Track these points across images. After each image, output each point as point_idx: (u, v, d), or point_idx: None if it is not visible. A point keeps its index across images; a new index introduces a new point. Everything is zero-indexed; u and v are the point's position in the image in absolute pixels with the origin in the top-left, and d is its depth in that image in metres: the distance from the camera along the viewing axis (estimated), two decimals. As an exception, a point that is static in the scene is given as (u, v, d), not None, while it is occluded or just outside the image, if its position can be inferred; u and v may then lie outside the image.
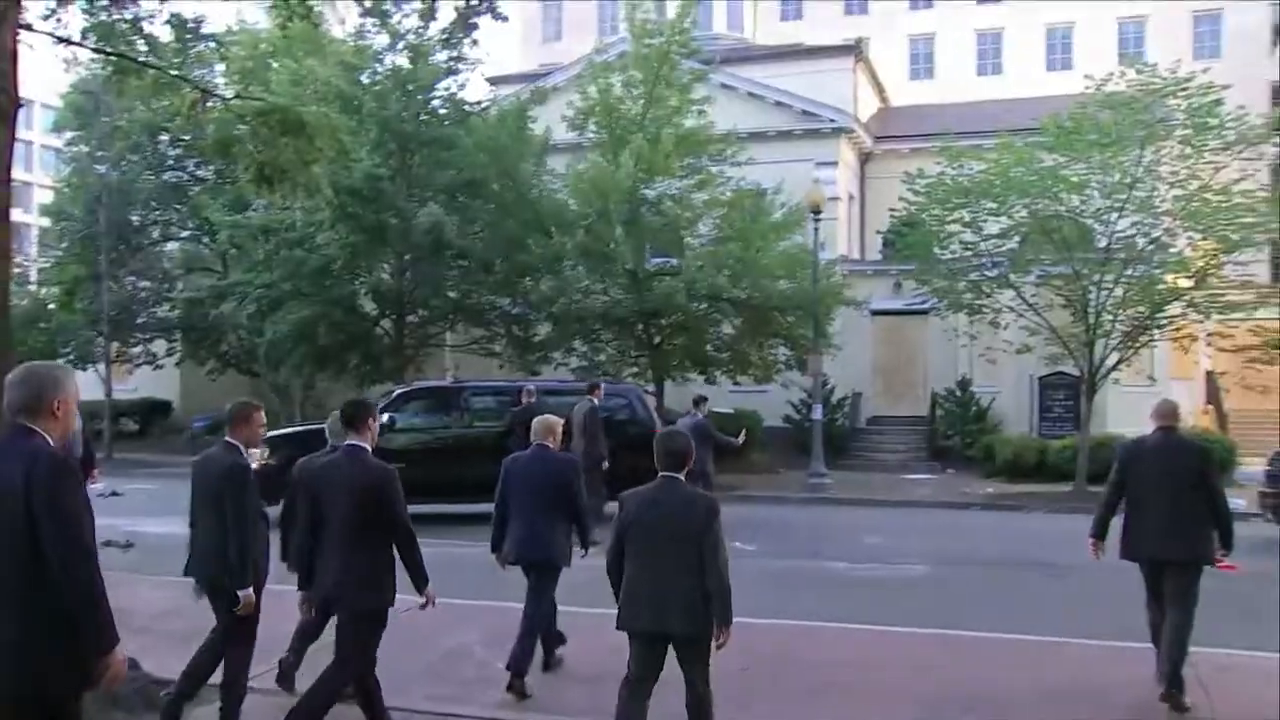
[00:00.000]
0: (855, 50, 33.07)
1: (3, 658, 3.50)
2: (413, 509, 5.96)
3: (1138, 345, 20.22)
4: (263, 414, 6.23)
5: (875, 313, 27.19)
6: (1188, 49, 38.85)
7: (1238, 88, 19.99)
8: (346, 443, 5.73)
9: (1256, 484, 15.20)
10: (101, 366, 27.82)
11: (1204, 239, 19.61)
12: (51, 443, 3.69)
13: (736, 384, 23.54)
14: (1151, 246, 19.49)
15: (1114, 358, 20.02)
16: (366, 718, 5.82)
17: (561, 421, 7.85)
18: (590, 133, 23.46)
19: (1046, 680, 7.49)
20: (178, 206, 28.48)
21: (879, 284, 27.65)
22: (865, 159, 32.53)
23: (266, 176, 9.38)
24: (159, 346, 28.94)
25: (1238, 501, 9.68)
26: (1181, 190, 19.09)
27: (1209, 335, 20.41)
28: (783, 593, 9.35)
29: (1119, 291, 19.47)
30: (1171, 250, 19.76)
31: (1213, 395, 28.01)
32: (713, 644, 5.15)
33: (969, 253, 21.07)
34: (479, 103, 25.05)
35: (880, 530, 15.72)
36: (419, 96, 23.19)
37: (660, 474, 5.30)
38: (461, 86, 24.17)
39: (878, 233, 31.52)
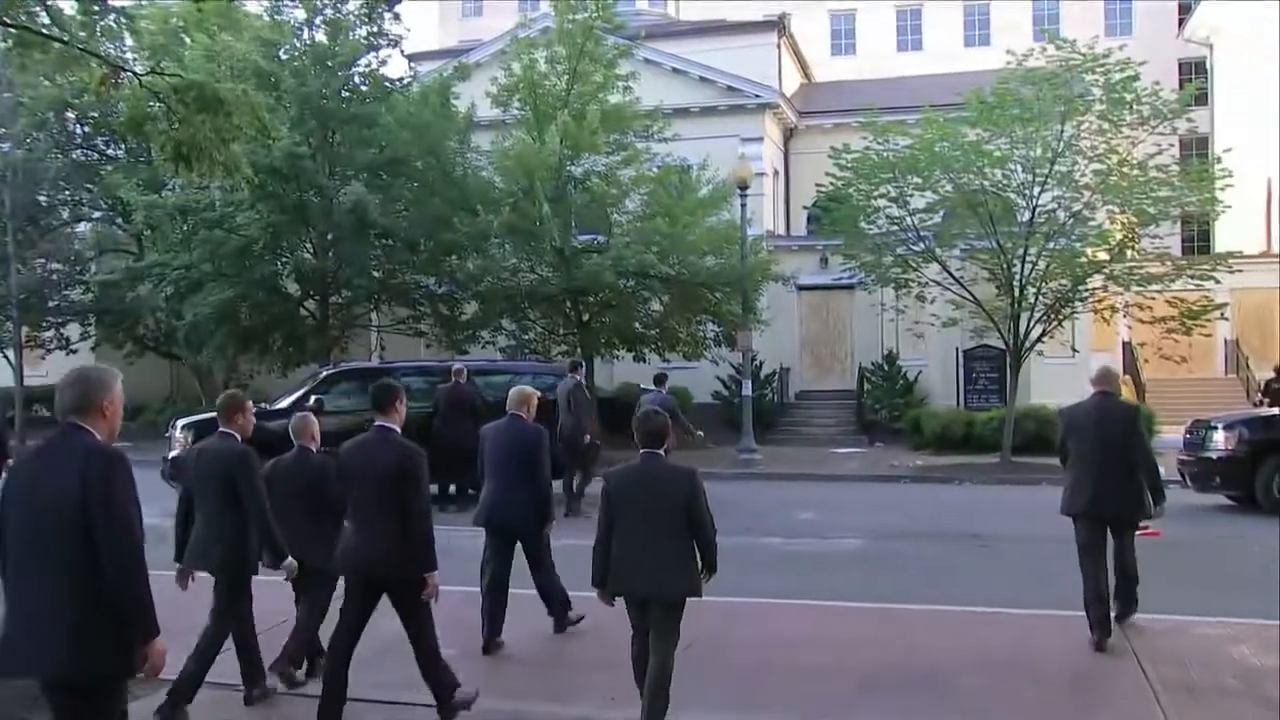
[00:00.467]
0: (779, 26, 33.02)
1: (60, 639, 3.80)
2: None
3: (1060, 317, 20.51)
4: (250, 403, 6.61)
5: (802, 288, 27.36)
6: (1100, 26, 39.59)
7: (1148, 64, 20.34)
8: (376, 423, 6.04)
9: (1175, 451, 15.53)
10: (11, 352, 26.92)
11: (1122, 213, 19.96)
12: (100, 440, 3.99)
13: (665, 360, 23.45)
14: (1072, 220, 19.78)
15: (1038, 330, 20.30)
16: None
17: (536, 393, 8.23)
18: (515, 109, 23.12)
19: (983, 651, 7.56)
20: (89, 186, 27.53)
21: (805, 259, 27.79)
22: (789, 134, 32.59)
23: (183, 155, 9.01)
24: (72, 330, 28.01)
25: (1164, 504, 9.88)
26: (1100, 165, 19.38)
27: (1128, 307, 20.80)
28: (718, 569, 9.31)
29: (1042, 265, 19.74)
30: (1091, 224, 20.07)
31: (1130, 365, 28.67)
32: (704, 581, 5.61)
33: (895, 227, 21.20)
34: (400, 79, 24.59)
35: (812, 505, 15.79)
36: (339, 73, 22.67)
37: (641, 450, 5.67)
38: (382, 63, 23.71)
39: (803, 208, 31.63)
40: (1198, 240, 34.71)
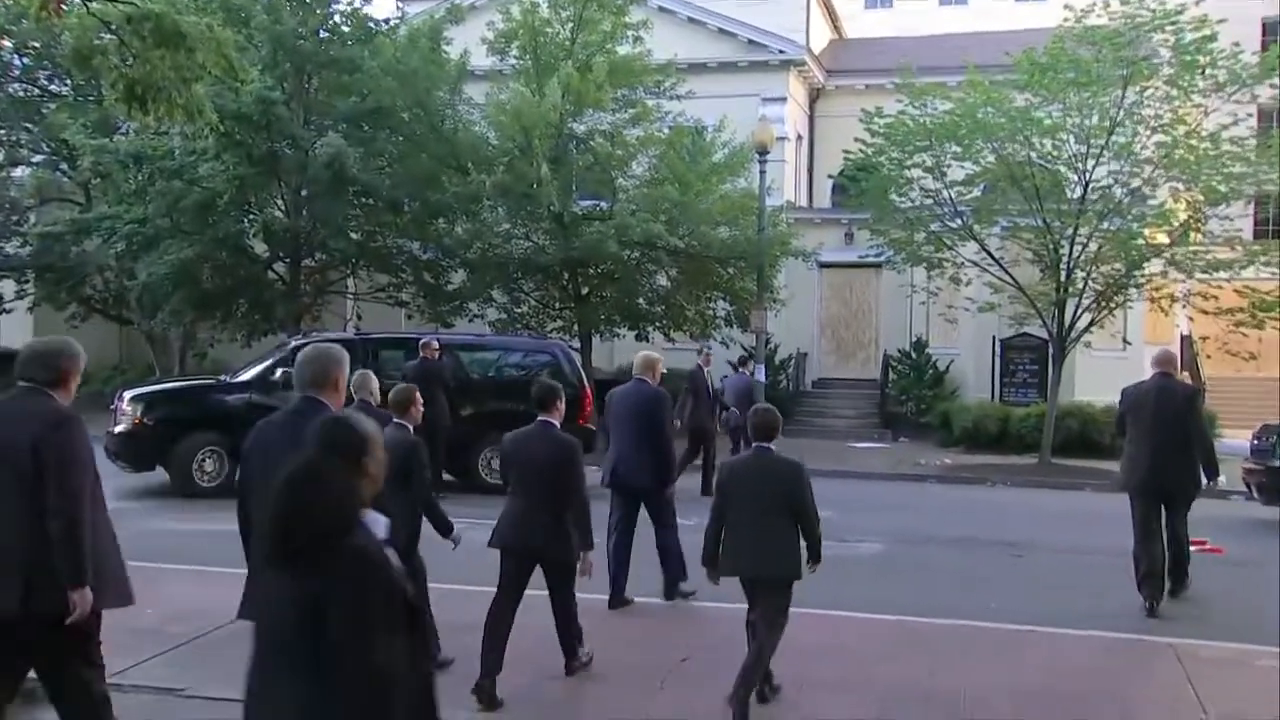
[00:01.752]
0: (808, -26, 32.79)
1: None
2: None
3: (1112, 306, 20.36)
4: (418, 394, 7.74)
5: (824, 265, 27.19)
6: (1171, -20, 39.08)
7: (1226, 23, 19.96)
8: (539, 419, 7.20)
9: (1240, 457, 15.33)
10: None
11: (1187, 190, 19.75)
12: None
13: (671, 340, 23.37)
14: (1129, 198, 19.59)
15: (1085, 319, 20.14)
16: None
17: (660, 358, 9.72)
18: (512, 59, 22.96)
19: (1015, 674, 7.47)
20: (28, 125, 27.14)
21: (829, 234, 27.62)
22: (816, 96, 32.39)
23: (138, 95, 8.86)
24: (7, 287, 27.73)
25: (1220, 479, 10.01)
26: (1165, 136, 19.16)
27: (1189, 296, 20.61)
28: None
29: (1093, 246, 19.57)
30: (1151, 202, 19.88)
31: (1189, 361, 28.49)
32: (811, 570, 6.63)
33: (929, 201, 21.04)
34: (386, 21, 24.38)
35: (830, 504, 15.45)
36: (318, 11, 22.45)
37: (754, 444, 6.77)
38: (367, 1, 23.53)
39: (829, 177, 31.47)
40: (1273, 223, 34.28)
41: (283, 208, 22.91)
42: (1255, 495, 14.78)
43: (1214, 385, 27.99)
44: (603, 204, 22.52)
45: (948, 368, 26.03)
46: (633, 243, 21.28)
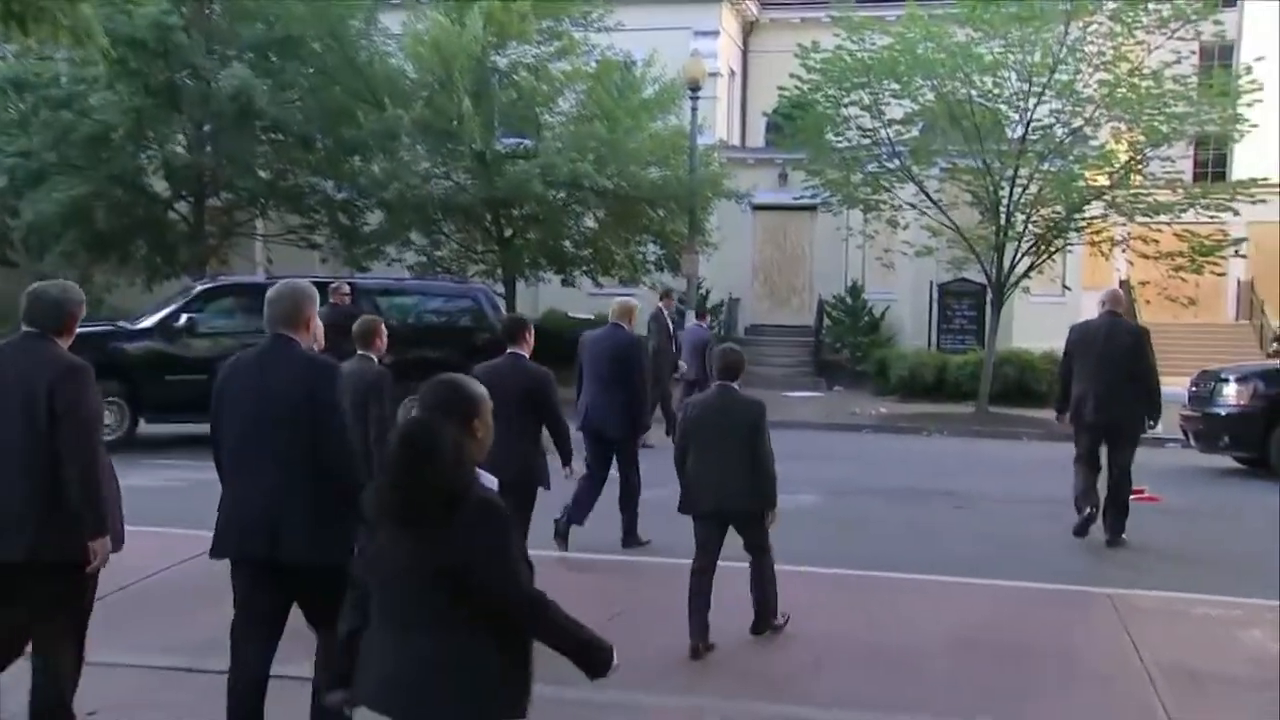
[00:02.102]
0: (742, -99, 32.50)
1: (296, 526, 4.68)
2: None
3: (1051, 250, 20.56)
4: (381, 325, 7.98)
5: (757, 207, 27.23)
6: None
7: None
8: (508, 350, 7.60)
9: (1178, 404, 15.55)
10: None
11: (1129, 130, 19.93)
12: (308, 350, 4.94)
13: (599, 285, 23.31)
14: (1071, 138, 19.73)
15: (1025, 263, 20.32)
16: None
17: (638, 304, 10.05)
18: (432, -14, 22.62)
19: (955, 627, 7.50)
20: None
21: (762, 174, 27.63)
22: (749, 30, 32.26)
23: (15, 13, 8.48)
24: None
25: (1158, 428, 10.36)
26: (1107, 74, 19.30)
27: (1130, 240, 20.85)
28: (657, 527, 9.16)
29: (1033, 188, 19.72)
30: (1093, 143, 20.06)
31: (1127, 306, 28.88)
32: (766, 521, 6.92)
33: (867, 140, 21.06)
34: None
35: (764, 455, 15.71)
36: (217, -71, 21.90)
37: (717, 382, 7.14)
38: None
39: (763, 115, 31.44)
40: (1212, 166, 34.80)
41: (184, 143, 22.39)
42: (1192, 442, 15.04)
43: (1152, 331, 28.40)
44: (527, 142, 22.34)
45: (884, 314, 26.22)
46: (558, 182, 21.08)
